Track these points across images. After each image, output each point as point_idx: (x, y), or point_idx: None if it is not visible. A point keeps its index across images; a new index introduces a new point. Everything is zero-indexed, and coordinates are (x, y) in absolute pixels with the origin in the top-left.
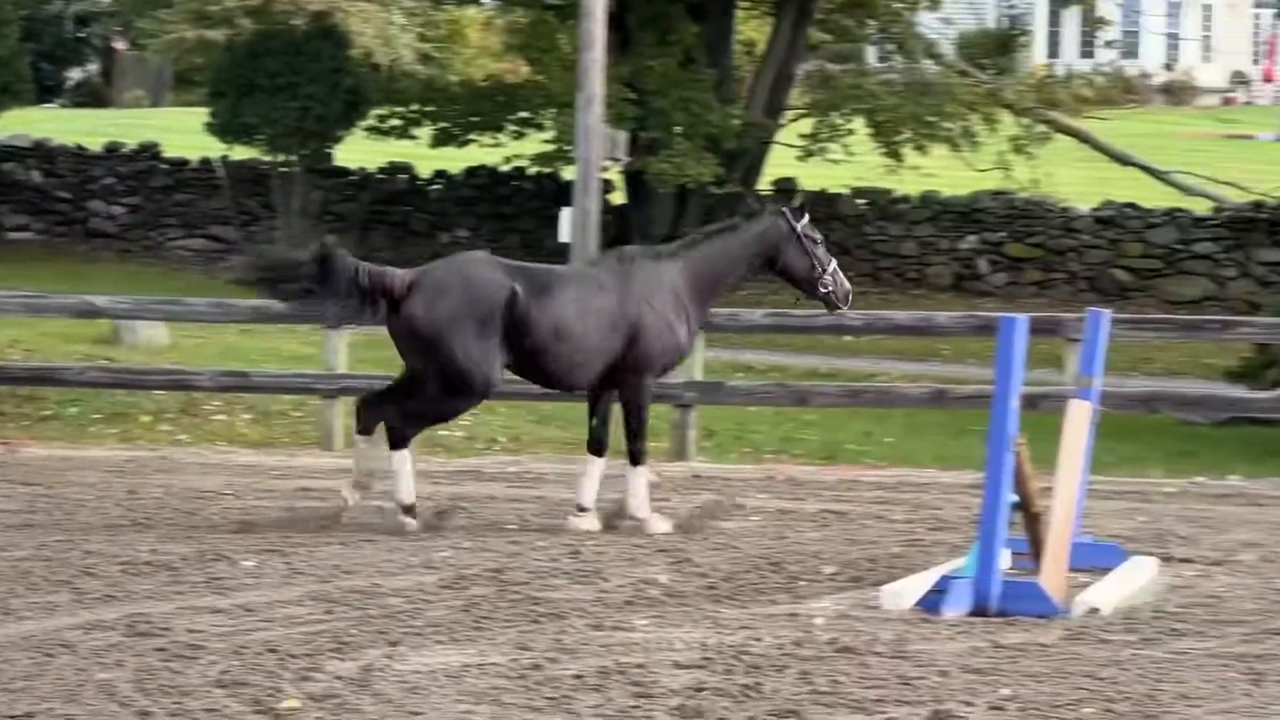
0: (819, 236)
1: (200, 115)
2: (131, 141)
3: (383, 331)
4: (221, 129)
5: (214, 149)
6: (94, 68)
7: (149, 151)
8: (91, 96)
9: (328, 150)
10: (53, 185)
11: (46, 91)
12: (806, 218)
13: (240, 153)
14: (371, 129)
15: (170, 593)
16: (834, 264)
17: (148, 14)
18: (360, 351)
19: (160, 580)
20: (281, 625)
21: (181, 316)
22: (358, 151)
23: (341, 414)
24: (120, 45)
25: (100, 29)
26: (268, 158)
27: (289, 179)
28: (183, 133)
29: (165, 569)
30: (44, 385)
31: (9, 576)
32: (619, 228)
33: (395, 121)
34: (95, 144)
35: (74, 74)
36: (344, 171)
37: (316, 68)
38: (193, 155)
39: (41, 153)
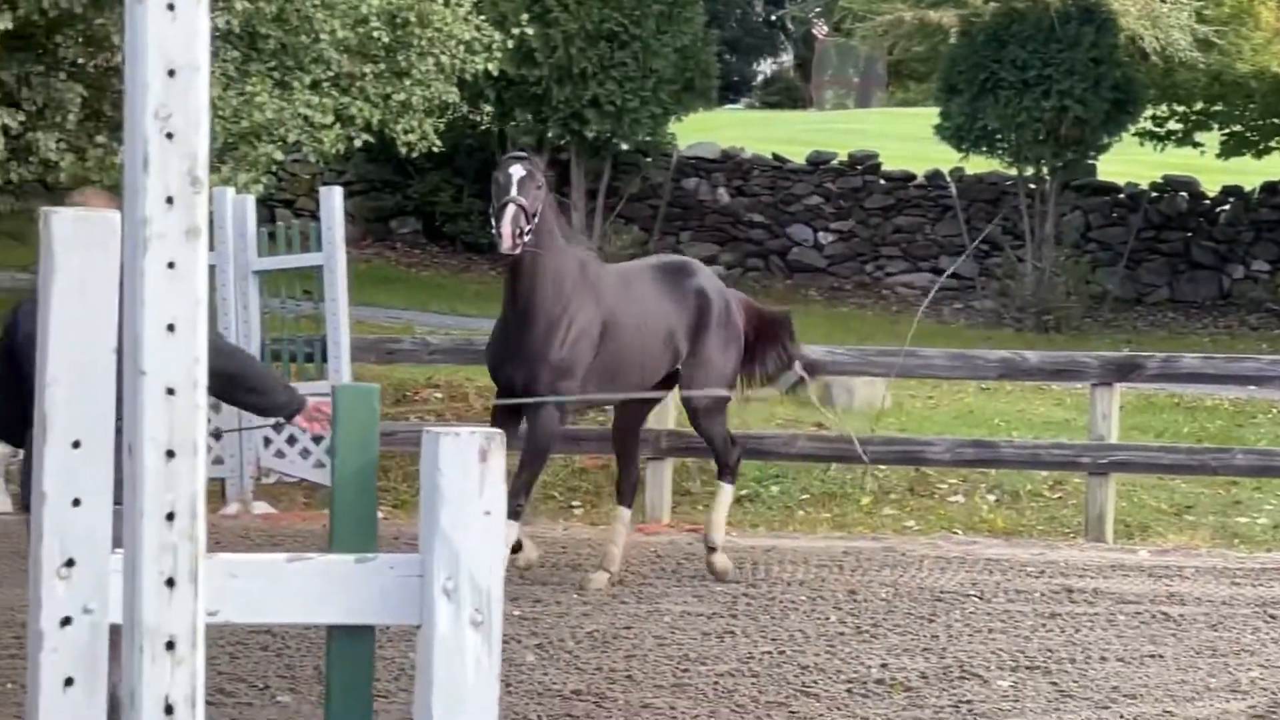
0: None
1: (919, 117)
2: (839, 151)
3: (1155, 392)
4: (955, 135)
5: (940, 159)
6: (787, 59)
7: (865, 164)
8: (784, 94)
9: (1089, 161)
10: (744, 206)
11: (729, 89)
12: None
13: (976, 165)
14: (1144, 134)
15: (909, 719)
16: None
17: None
18: (1131, 416)
19: (896, 703)
20: None
21: (914, 372)
22: (1122, 163)
23: (1113, 495)
24: (821, 31)
25: (797, 11)
26: (1011, 171)
27: (1039, 197)
28: (898, 139)
29: (902, 689)
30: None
31: (709, 696)
32: None
33: (1174, 125)
34: (796, 155)
35: (764, 67)
36: (1109, 188)
37: (1074, 57)
38: (917, 168)
39: (730, 165)
